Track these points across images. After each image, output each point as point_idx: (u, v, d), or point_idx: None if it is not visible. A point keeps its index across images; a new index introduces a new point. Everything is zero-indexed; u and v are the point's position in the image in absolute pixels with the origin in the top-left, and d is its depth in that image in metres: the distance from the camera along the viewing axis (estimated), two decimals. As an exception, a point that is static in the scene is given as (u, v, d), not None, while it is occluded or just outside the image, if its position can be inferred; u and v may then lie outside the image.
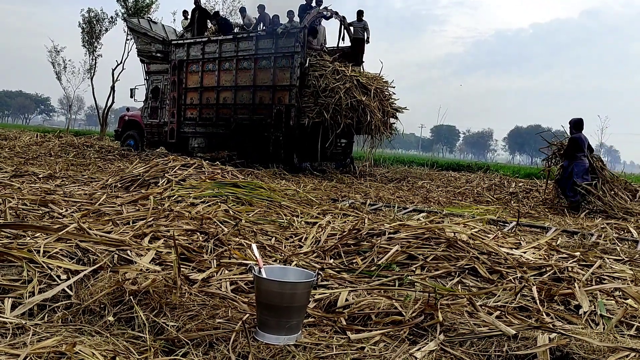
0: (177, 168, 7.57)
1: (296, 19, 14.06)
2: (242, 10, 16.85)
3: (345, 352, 2.35)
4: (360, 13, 15.22)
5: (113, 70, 29.90)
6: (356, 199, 8.40)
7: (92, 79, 33.23)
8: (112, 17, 31.35)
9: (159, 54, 16.54)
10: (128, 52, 29.98)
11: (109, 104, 31.16)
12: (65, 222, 4.06)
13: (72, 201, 5.52)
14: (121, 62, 29.97)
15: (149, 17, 17.61)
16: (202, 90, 15.39)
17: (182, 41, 16.09)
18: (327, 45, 15.35)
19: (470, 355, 2.38)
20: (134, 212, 5.01)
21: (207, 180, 6.97)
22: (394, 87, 14.81)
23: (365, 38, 15.26)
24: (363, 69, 15.12)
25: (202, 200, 5.96)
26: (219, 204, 5.81)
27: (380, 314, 2.81)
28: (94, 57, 32.75)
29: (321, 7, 14.49)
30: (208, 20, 16.81)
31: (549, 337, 2.38)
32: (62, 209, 4.96)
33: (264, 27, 14.63)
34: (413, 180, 14.02)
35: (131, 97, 18.18)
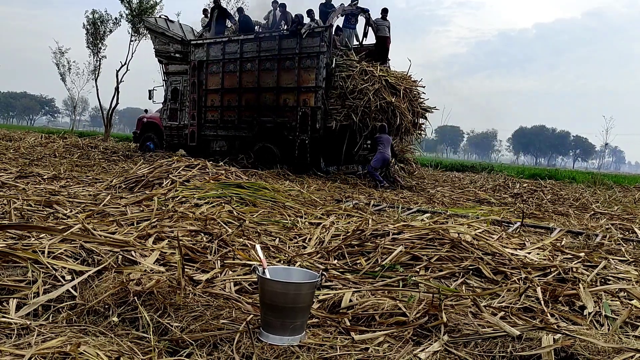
0: (181, 169, 7.59)
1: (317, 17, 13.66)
2: (240, 11, 16.59)
3: (349, 352, 2.35)
4: (384, 11, 14.78)
5: (117, 71, 29.98)
6: (360, 200, 8.39)
7: (96, 80, 33.36)
8: (116, 19, 31.44)
9: (177, 55, 16.04)
10: (132, 54, 30.10)
11: (113, 105, 31.24)
12: (69, 223, 4.08)
13: (76, 202, 5.54)
14: (125, 64, 30.05)
15: (166, 16, 17.18)
16: (224, 91, 14.96)
17: (201, 41, 15.57)
18: (354, 43, 14.98)
19: (475, 356, 2.38)
20: (138, 213, 5.02)
21: (211, 181, 6.99)
22: (423, 87, 14.31)
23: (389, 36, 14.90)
24: (389, 67, 14.64)
25: (206, 201, 5.97)
26: (223, 204, 5.82)
27: (384, 314, 2.81)
28: (98, 59, 32.87)
29: (346, 5, 14.07)
30: (228, 20, 16.41)
31: (554, 338, 2.37)
32: (66, 210, 4.98)
33: (286, 26, 14.20)
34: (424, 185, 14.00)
35: (149, 98, 17.79)
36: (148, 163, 9.10)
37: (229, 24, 16.40)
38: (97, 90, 32.88)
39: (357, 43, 15.20)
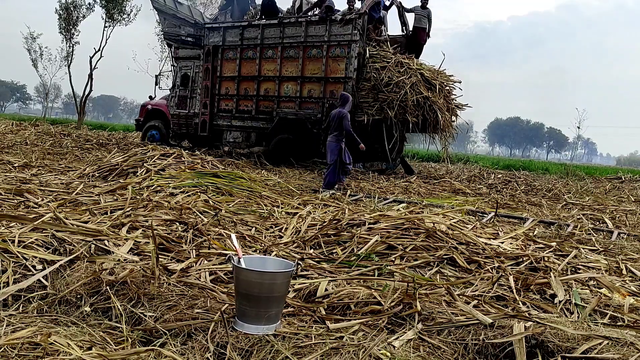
0: (156, 157, 7.49)
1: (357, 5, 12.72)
2: None
3: (324, 341, 2.36)
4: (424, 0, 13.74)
5: (91, 58, 29.38)
6: (337, 190, 8.40)
7: (69, 67, 32.62)
8: (89, 4, 30.72)
9: (189, 38, 15.08)
10: (106, 40, 29.51)
11: (86, 92, 30.64)
12: (41, 212, 4.00)
13: (48, 190, 5.44)
14: (99, 50, 29.45)
15: None
16: (240, 79, 14.06)
17: (217, 25, 14.65)
18: (388, 34, 14.06)
19: (448, 343, 2.41)
20: (111, 202, 4.95)
21: (186, 170, 6.91)
22: (460, 82, 13.43)
23: (428, 29, 13.90)
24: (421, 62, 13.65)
25: (181, 190, 5.91)
26: (199, 194, 5.77)
27: (360, 303, 2.83)
28: (71, 45, 32.12)
29: None
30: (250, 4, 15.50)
31: (525, 326, 2.41)
32: (37, 199, 4.88)
33: (316, 12, 13.34)
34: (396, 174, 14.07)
35: (156, 84, 16.89)
36: (122, 151, 8.95)
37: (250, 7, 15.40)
38: (70, 76, 32.16)
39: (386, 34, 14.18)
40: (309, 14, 13.73)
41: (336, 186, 8.78)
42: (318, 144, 12.44)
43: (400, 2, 14.08)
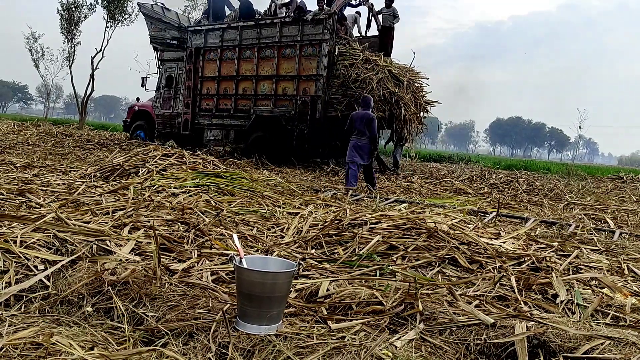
0: (157, 158, 7.49)
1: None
2: None
3: (326, 341, 2.36)
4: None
5: (92, 58, 29.41)
6: (338, 190, 8.40)
7: (70, 67, 32.68)
8: (91, 4, 30.75)
9: (174, 41, 15.74)
10: (108, 40, 29.54)
11: (88, 93, 30.66)
12: (42, 212, 4.00)
13: (50, 191, 5.43)
14: (101, 50, 29.48)
15: (162, 4, 16.82)
16: (220, 79, 14.68)
17: (199, 27, 15.28)
18: (357, 34, 14.65)
19: (450, 343, 2.41)
20: (113, 202, 4.95)
21: (188, 170, 6.91)
22: (427, 79, 14.08)
23: (393, 26, 14.46)
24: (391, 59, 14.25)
25: (183, 190, 5.91)
26: (200, 194, 5.77)
27: (361, 303, 2.83)
28: (72, 45, 32.17)
29: None
30: (226, 6, 16.06)
31: (527, 326, 2.41)
32: (39, 199, 4.88)
33: (289, 13, 13.88)
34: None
35: (142, 85, 17.39)
36: (124, 152, 8.96)
37: (227, 10, 16.01)
38: (72, 77, 32.23)
39: (359, 34, 14.88)
40: (279, 12, 14.34)
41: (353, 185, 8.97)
42: (292, 140, 12.97)
43: (371, 4, 14.58)
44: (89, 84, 30.06)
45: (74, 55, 32.60)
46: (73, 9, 30.75)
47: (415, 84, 13.66)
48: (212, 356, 2.25)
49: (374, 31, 15.10)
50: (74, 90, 33.18)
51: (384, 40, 14.42)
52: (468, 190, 10.23)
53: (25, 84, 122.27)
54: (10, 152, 10.31)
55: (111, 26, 29.40)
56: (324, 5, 13.03)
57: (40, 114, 69.37)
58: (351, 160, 9.05)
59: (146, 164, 7.13)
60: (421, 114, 13.63)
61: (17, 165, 7.61)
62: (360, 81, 12.28)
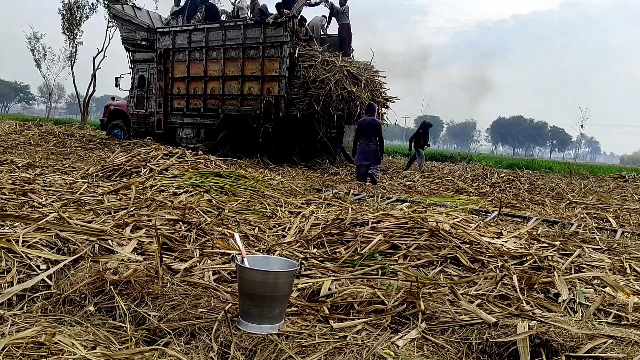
0: (159, 157, 7.50)
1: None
2: None
3: (328, 340, 2.36)
4: None
5: (94, 58, 29.47)
6: (340, 189, 8.40)
7: (72, 67, 32.78)
8: (92, 4, 30.82)
9: (144, 42, 16.21)
10: (109, 40, 29.59)
11: (90, 92, 30.74)
12: (45, 212, 4.01)
13: (52, 190, 5.44)
14: (102, 50, 29.56)
15: (133, 3, 17.22)
16: (190, 79, 15.16)
17: (167, 29, 15.75)
18: (324, 35, 15.12)
19: (452, 342, 2.41)
20: (115, 202, 4.95)
21: (190, 169, 6.92)
22: (384, 77, 14.73)
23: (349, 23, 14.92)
24: (353, 57, 14.87)
25: (184, 189, 5.91)
26: (202, 193, 5.77)
27: (363, 302, 2.83)
28: (74, 45, 32.25)
29: None
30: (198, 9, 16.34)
31: (529, 325, 2.41)
32: (41, 199, 4.89)
33: (252, 16, 14.39)
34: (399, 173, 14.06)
35: (116, 86, 17.82)
36: (126, 151, 8.97)
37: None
38: (74, 77, 32.34)
39: (323, 33, 15.37)
40: (240, 14, 14.89)
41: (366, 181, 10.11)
42: (258, 138, 13.52)
43: (332, 4, 14.92)
44: (90, 83, 30.15)
45: (75, 55, 32.71)
46: (75, 8, 30.82)
47: (375, 81, 14.22)
48: (214, 355, 2.25)
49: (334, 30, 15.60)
50: (76, 90, 33.22)
51: (342, 37, 14.88)
52: (470, 189, 10.22)
53: (27, 84, 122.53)
54: (12, 152, 10.34)
55: (113, 26, 29.39)
56: (283, 10, 13.44)
57: (42, 113, 69.45)
58: (360, 164, 10.42)
59: (148, 164, 7.13)
60: (380, 111, 14.10)
61: (19, 165, 7.62)
62: (319, 82, 12.73)
